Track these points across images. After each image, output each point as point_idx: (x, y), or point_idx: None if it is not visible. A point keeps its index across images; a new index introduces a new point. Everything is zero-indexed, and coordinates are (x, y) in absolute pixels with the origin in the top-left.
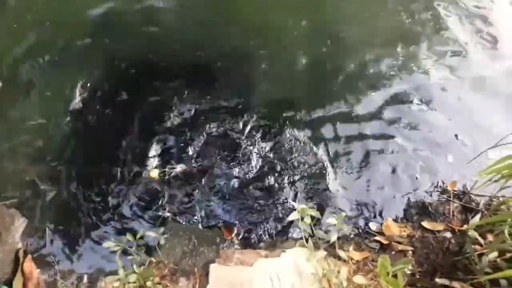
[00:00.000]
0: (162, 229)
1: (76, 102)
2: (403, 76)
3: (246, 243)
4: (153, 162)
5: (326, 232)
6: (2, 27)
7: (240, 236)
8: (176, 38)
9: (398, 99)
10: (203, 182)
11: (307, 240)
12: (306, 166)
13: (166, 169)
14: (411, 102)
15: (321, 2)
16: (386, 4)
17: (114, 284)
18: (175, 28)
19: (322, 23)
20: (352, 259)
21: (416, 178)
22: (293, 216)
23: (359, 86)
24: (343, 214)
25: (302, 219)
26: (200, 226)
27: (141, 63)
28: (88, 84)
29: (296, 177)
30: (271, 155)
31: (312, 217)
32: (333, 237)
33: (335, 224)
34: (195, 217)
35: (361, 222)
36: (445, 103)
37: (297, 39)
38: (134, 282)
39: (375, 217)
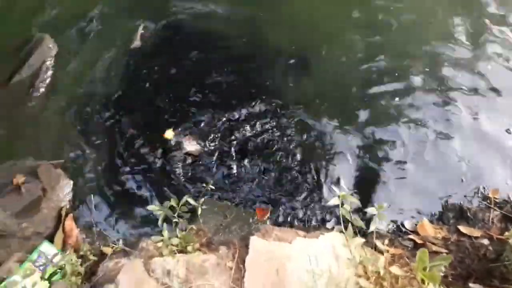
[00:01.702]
0: (202, 200)
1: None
2: (459, 74)
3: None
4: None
5: (364, 220)
6: None
7: (274, 219)
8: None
9: (449, 97)
10: (240, 163)
11: (345, 227)
12: (348, 155)
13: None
14: (464, 100)
15: None
16: None
17: (158, 244)
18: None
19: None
20: (387, 251)
21: (458, 181)
22: (333, 201)
23: (409, 82)
24: (385, 204)
25: (342, 205)
26: (234, 204)
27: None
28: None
29: (337, 165)
30: (313, 142)
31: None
32: (372, 227)
33: (374, 214)
34: (231, 195)
35: (396, 219)
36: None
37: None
38: (176, 245)
39: (410, 215)
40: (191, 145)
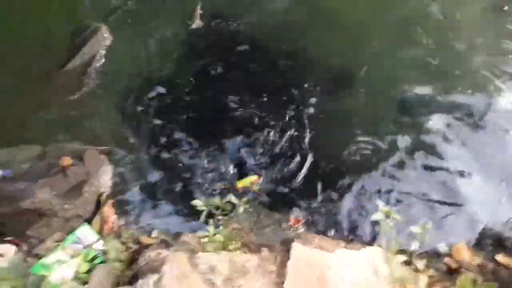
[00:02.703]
0: (244, 199)
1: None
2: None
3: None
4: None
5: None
6: None
7: (307, 227)
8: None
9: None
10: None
11: (386, 243)
12: (389, 169)
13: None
14: None
15: None
16: None
17: (202, 240)
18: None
19: None
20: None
21: (499, 206)
22: (377, 216)
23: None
24: (429, 224)
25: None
26: (268, 207)
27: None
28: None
29: (379, 181)
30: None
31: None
32: (414, 245)
33: (417, 233)
34: (267, 199)
35: (432, 240)
36: None
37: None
38: (220, 242)
39: (445, 238)
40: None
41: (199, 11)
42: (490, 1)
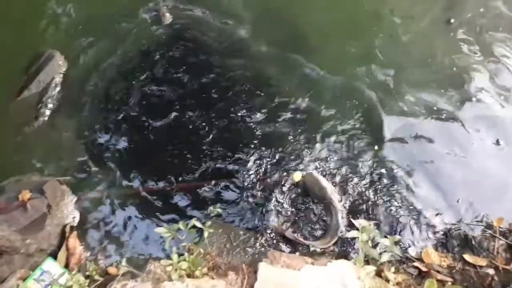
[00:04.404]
0: (209, 222)
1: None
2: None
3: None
4: None
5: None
6: None
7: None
8: None
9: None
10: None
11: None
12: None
13: None
14: (473, 130)
15: None
16: None
17: (167, 268)
18: None
19: None
20: (395, 279)
21: (461, 209)
22: (353, 234)
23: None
24: (397, 237)
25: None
26: (239, 227)
27: None
28: None
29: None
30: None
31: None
32: (384, 258)
33: (386, 245)
34: (236, 218)
35: (401, 245)
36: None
37: None
38: (185, 269)
39: (414, 243)
40: None
41: (163, 8)
42: (438, 14)
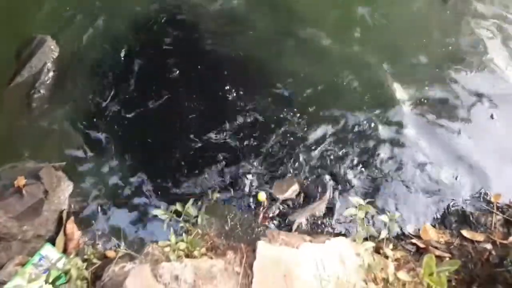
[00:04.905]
0: (204, 206)
1: None
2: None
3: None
4: None
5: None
6: None
7: (276, 223)
8: None
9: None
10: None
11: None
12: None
13: None
14: (468, 106)
15: None
16: None
17: (164, 249)
18: None
19: None
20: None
21: (459, 185)
22: (351, 211)
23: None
24: (397, 214)
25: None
26: (237, 207)
27: None
28: None
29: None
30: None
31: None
32: (383, 234)
33: (385, 222)
34: (234, 197)
35: (399, 222)
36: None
37: None
38: (183, 250)
39: (412, 220)
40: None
41: None
42: None
